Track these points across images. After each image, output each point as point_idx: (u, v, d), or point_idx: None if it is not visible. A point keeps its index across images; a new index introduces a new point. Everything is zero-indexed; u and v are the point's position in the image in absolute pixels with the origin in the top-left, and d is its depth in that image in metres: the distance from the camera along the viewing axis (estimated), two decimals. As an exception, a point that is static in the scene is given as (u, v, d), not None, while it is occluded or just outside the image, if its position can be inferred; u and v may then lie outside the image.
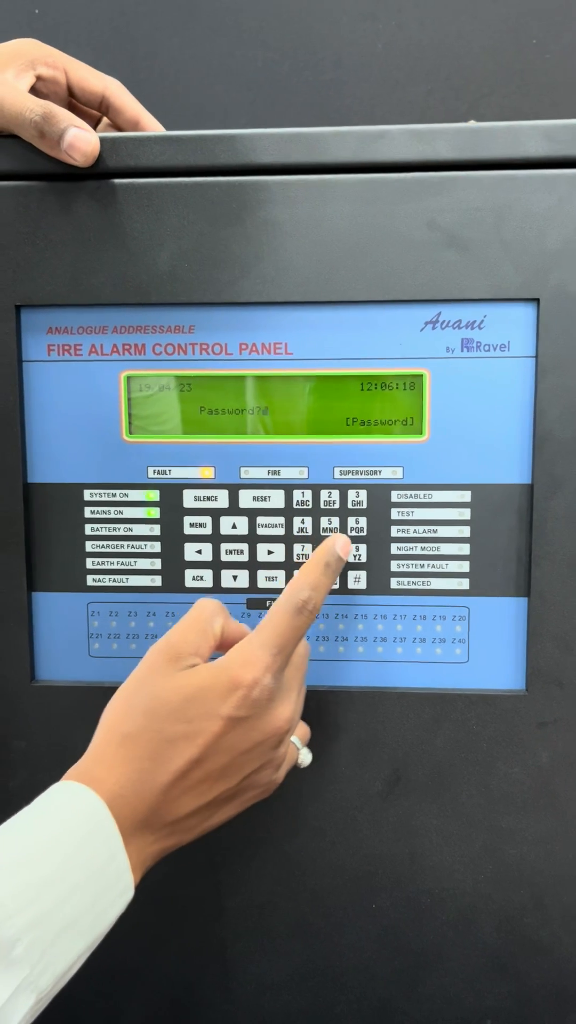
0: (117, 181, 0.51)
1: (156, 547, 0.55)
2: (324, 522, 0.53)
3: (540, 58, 0.97)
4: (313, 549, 0.54)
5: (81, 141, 0.49)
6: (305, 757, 0.51)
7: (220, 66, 0.98)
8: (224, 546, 0.54)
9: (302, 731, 0.52)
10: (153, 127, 0.58)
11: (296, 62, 0.97)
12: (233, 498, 0.54)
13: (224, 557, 0.54)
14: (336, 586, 0.54)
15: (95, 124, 0.59)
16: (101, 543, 0.55)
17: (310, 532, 0.54)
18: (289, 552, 0.54)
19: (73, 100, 0.57)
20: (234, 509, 0.54)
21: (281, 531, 0.54)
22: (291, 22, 0.97)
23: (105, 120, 0.59)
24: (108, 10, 0.98)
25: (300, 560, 0.54)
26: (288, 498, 0.53)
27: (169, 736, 0.44)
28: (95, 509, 0.54)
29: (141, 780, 0.43)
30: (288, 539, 0.54)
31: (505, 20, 0.95)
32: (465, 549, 0.53)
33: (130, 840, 0.43)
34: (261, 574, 0.54)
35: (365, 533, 0.53)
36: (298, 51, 0.97)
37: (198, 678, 0.45)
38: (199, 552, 0.54)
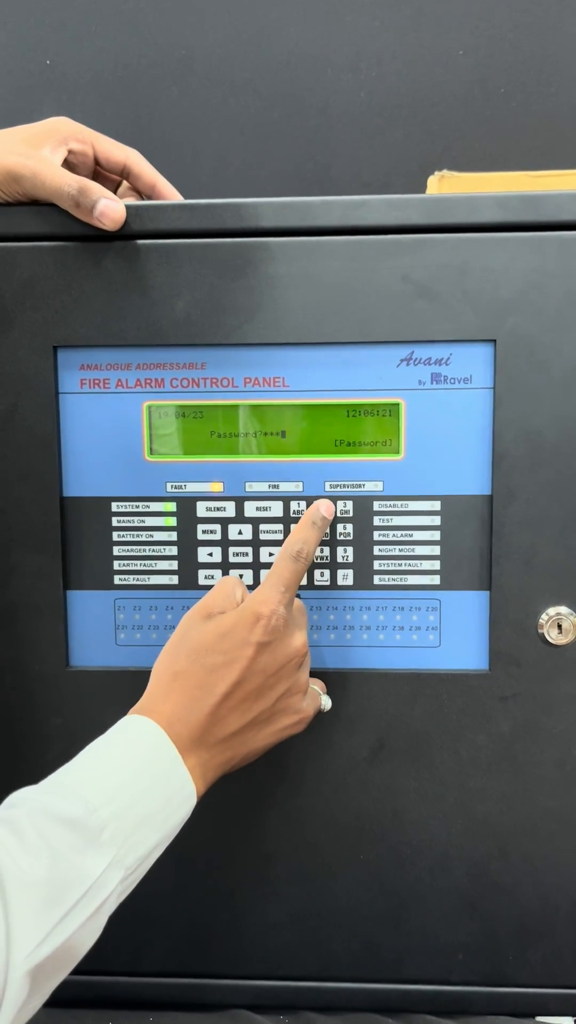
0: (140, 242, 0.60)
1: (173, 551, 0.64)
2: (317, 528, 0.63)
3: (507, 106, 1.06)
4: (308, 551, 0.63)
5: (110, 210, 0.58)
6: (326, 702, 0.61)
7: (215, 113, 1.07)
8: (232, 550, 0.63)
9: (320, 683, 0.62)
10: (168, 190, 0.67)
11: (285, 109, 1.06)
12: (239, 509, 0.63)
13: (232, 559, 0.63)
14: (327, 582, 0.63)
15: (116, 187, 0.68)
16: (126, 548, 0.64)
17: (305, 537, 0.63)
18: (287, 554, 0.63)
19: (98, 168, 0.66)
20: (240, 518, 0.63)
21: (280, 536, 0.63)
22: (281, 73, 1.06)
23: (125, 184, 0.68)
24: (113, 62, 1.07)
25: (297, 561, 0.63)
26: (286, 508, 0.63)
27: (211, 666, 0.54)
28: (121, 519, 0.64)
29: (192, 706, 0.53)
30: (286, 543, 0.63)
31: (475, 71, 1.05)
32: (436, 550, 0.62)
33: (188, 755, 0.53)
34: (263, 573, 0.63)
35: (351, 537, 0.63)
36: (287, 99, 1.06)
37: (228, 619, 0.55)
38: (210, 555, 0.64)
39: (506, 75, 1.05)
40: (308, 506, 0.63)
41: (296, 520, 0.63)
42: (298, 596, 0.63)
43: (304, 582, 0.63)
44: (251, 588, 0.63)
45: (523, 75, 1.05)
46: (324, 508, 0.60)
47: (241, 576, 0.63)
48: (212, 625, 0.55)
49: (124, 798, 0.49)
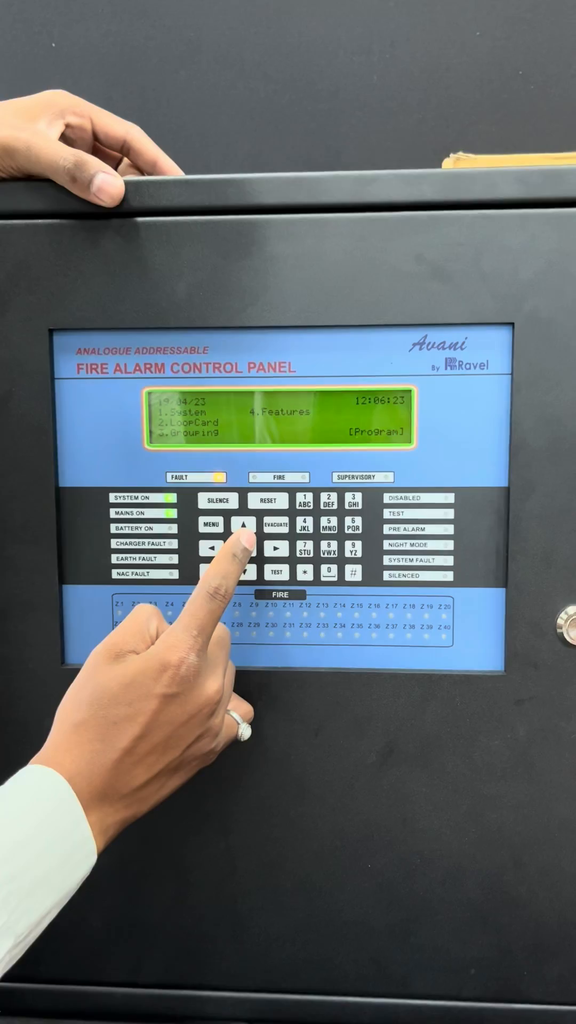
0: (140, 219, 0.58)
1: (174, 544, 0.61)
2: (324, 521, 0.60)
3: (524, 89, 1.03)
4: (314, 546, 0.60)
5: (108, 185, 0.56)
6: (245, 731, 0.58)
7: (224, 97, 1.05)
8: (235, 543, 0.60)
9: (244, 708, 0.59)
10: (170, 167, 0.64)
11: (295, 93, 1.03)
12: (243, 500, 0.60)
13: (235, 553, 0.61)
14: (335, 578, 0.60)
15: (116, 165, 0.66)
16: (124, 541, 0.61)
17: (311, 530, 0.60)
18: (293, 548, 0.60)
19: (97, 144, 0.63)
20: (243, 510, 0.60)
21: (285, 529, 0.60)
22: (291, 56, 1.03)
23: (126, 161, 0.65)
24: (119, 44, 1.04)
25: (303, 555, 0.60)
26: (292, 500, 0.60)
27: (113, 719, 0.50)
28: (119, 510, 0.61)
29: (94, 759, 0.49)
30: (292, 537, 0.60)
31: (491, 53, 1.02)
32: (449, 545, 0.59)
33: (90, 811, 0.49)
34: (268, 568, 0.61)
35: (361, 531, 0.60)
36: (297, 83, 1.03)
37: (133, 666, 0.51)
38: (212, 549, 0.61)
39: (524, 57, 1.02)
40: (314, 498, 0.60)
41: (304, 512, 0.60)
42: (284, 591, 0.60)
43: (310, 578, 0.60)
44: (252, 586, 0.61)
45: (542, 56, 1.02)
46: (245, 538, 0.57)
47: (244, 572, 0.60)
48: (117, 671, 0.51)
49: (22, 857, 0.46)
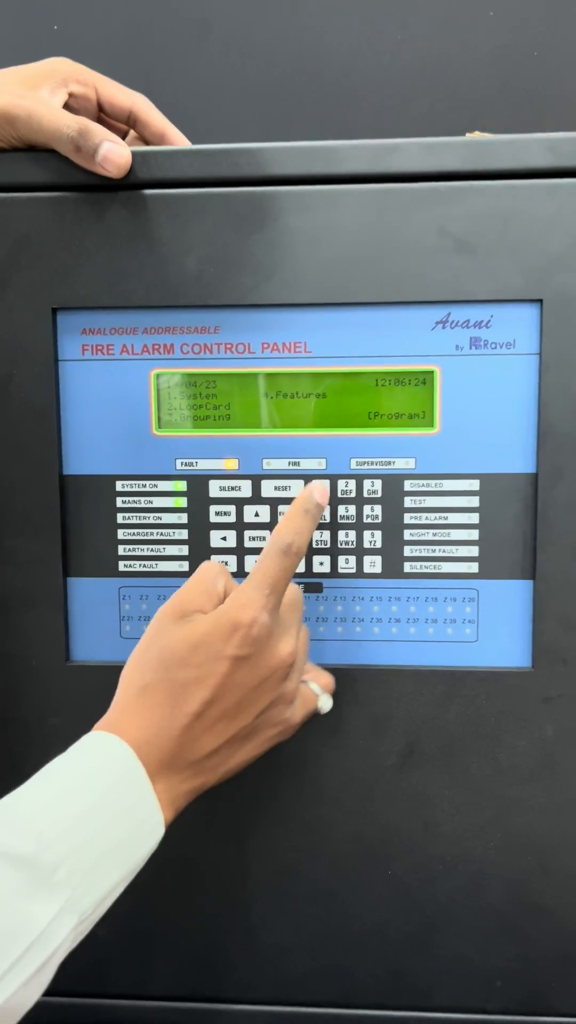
0: (147, 192, 0.55)
1: (184, 534, 0.58)
2: (341, 510, 0.57)
3: (541, 70, 1.00)
4: (331, 536, 0.57)
5: (114, 154, 0.53)
6: (325, 703, 0.54)
7: (231, 80, 1.02)
8: (248, 533, 0.58)
9: (324, 679, 0.55)
10: (178, 139, 0.61)
11: (305, 76, 1.00)
12: (256, 488, 0.57)
13: (248, 544, 0.58)
14: (353, 570, 0.57)
15: (122, 137, 0.63)
16: (132, 531, 0.58)
17: (328, 520, 0.57)
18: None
19: (102, 115, 0.60)
20: (257, 498, 0.57)
21: (301, 519, 0.57)
22: (300, 37, 1.00)
23: (132, 133, 0.62)
24: (123, 26, 1.01)
25: (320, 546, 0.57)
26: (307, 488, 0.57)
27: (182, 681, 0.47)
28: (126, 499, 0.58)
29: (162, 725, 0.47)
30: (307, 526, 0.57)
31: (507, 34, 0.99)
32: (474, 535, 0.56)
33: (157, 780, 0.46)
34: (282, 559, 0.58)
35: (380, 520, 0.57)
36: (307, 65, 1.00)
37: (202, 626, 0.48)
38: (224, 539, 0.58)
39: (540, 38, 0.99)
40: (332, 485, 0.57)
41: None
42: (299, 583, 0.57)
43: (327, 570, 0.57)
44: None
45: (559, 38, 0.99)
46: (318, 493, 0.53)
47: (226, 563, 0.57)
48: (185, 632, 0.48)
49: (84, 831, 0.43)
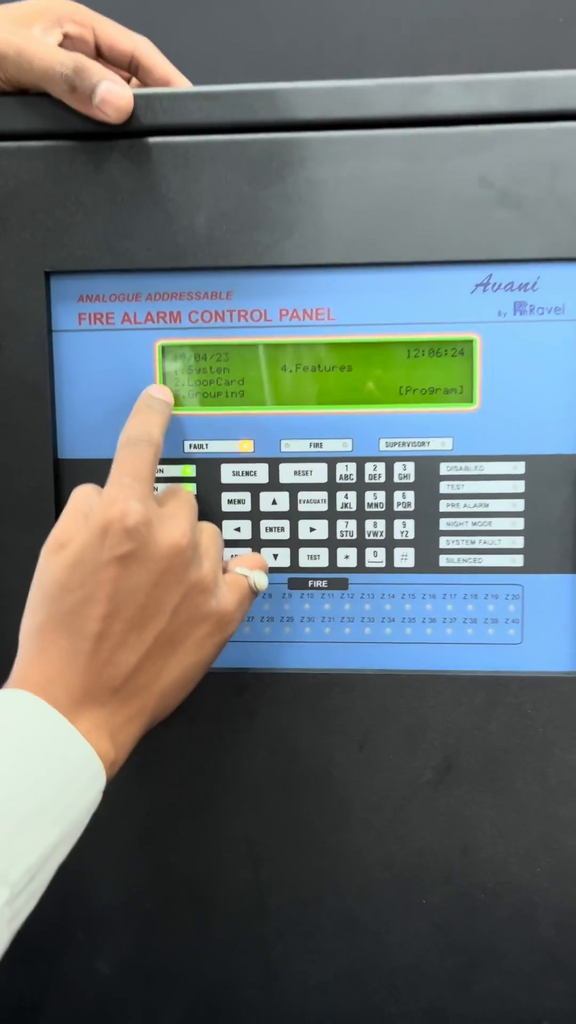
0: (152, 140, 0.49)
1: (192, 525, 0.52)
2: (369, 497, 0.51)
3: (566, 37, 0.95)
4: (357, 526, 0.51)
5: (114, 96, 0.47)
6: (258, 579, 0.48)
7: (237, 44, 0.96)
8: (264, 523, 0.52)
9: (250, 560, 0.50)
10: (185, 87, 0.55)
11: (317, 41, 0.95)
12: (273, 473, 0.51)
13: (264, 535, 0.52)
14: (382, 564, 0.51)
15: (124, 86, 0.57)
16: (135, 522, 0.52)
17: (354, 508, 0.51)
18: (332, 529, 0.51)
19: (101, 60, 0.54)
20: (274, 484, 0.51)
21: (324, 507, 0.51)
22: (313, 2, 0.94)
23: (134, 80, 0.56)
24: (125, -10, 0.95)
25: (344, 537, 0.51)
26: (331, 472, 0.51)
27: (71, 607, 0.42)
28: (128, 486, 0.52)
29: (64, 658, 0.42)
30: (331, 515, 0.51)
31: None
32: (519, 524, 0.50)
33: (79, 718, 0.41)
34: (303, 552, 0.52)
35: (412, 508, 0.51)
36: (321, 33, 0.95)
37: (74, 544, 0.43)
38: (237, 530, 0.52)
39: (565, 1, 0.94)
40: (358, 470, 0.51)
41: (345, 486, 0.51)
42: (322, 578, 0.51)
43: (353, 564, 0.51)
44: (285, 573, 0.52)
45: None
46: (155, 389, 0.50)
47: (276, 557, 0.51)
48: (60, 557, 0.43)
49: (1, 792, 0.38)
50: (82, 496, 0.46)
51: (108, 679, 0.42)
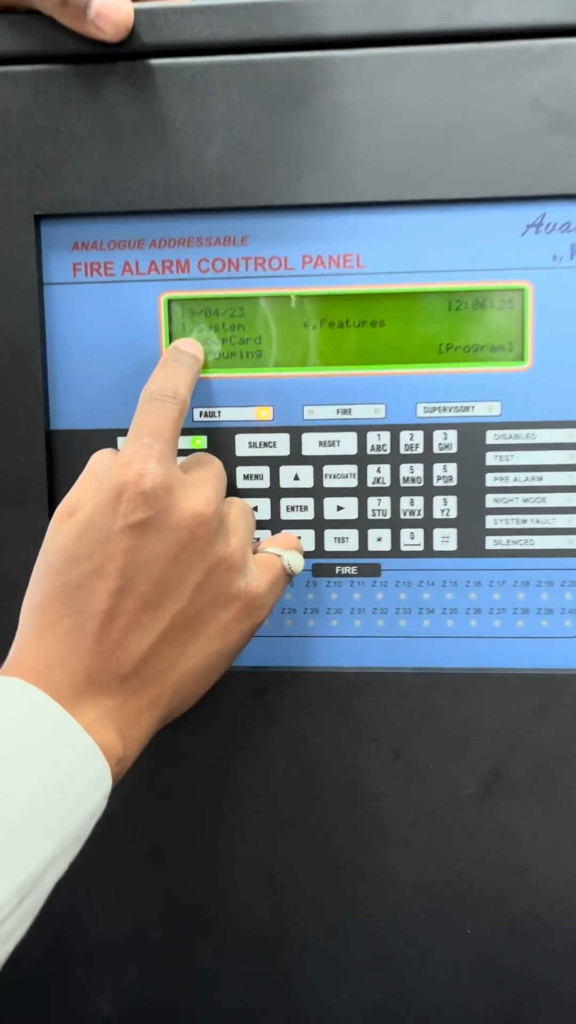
0: (155, 61, 0.43)
1: (203, 504, 0.46)
2: (405, 470, 0.45)
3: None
4: (392, 504, 0.45)
5: (111, 10, 0.41)
6: (293, 560, 0.42)
7: None
8: (285, 501, 0.46)
9: (283, 539, 0.44)
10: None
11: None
12: (295, 443, 0.45)
13: (284, 515, 0.46)
14: (420, 547, 0.45)
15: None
16: (138, 501, 0.46)
17: (388, 483, 0.45)
18: (363, 507, 0.45)
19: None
20: (296, 457, 0.45)
21: (353, 482, 0.45)
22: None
23: None
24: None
25: (376, 516, 0.45)
26: (361, 442, 0.45)
27: (76, 580, 0.37)
28: (131, 460, 0.46)
29: (66, 640, 0.36)
30: (361, 491, 0.45)
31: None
32: (576, 500, 0.44)
33: (82, 709, 0.35)
34: (329, 534, 0.45)
35: (455, 483, 0.45)
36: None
37: (83, 510, 0.38)
38: (255, 509, 0.46)
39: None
40: (392, 440, 0.45)
41: (378, 458, 0.45)
42: (352, 564, 0.45)
43: (387, 547, 0.45)
44: (310, 558, 0.46)
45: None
46: (183, 343, 0.44)
47: (299, 539, 0.45)
48: (68, 525, 0.38)
49: None
50: (100, 461, 0.41)
51: (117, 664, 0.36)
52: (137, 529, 0.37)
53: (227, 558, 0.39)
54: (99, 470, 0.41)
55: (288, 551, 0.43)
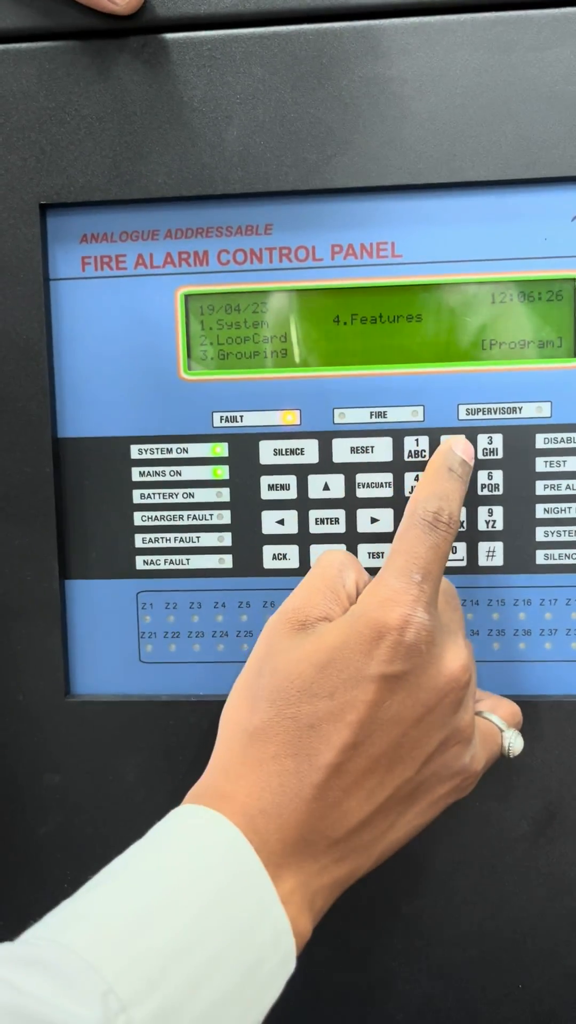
0: (170, 36, 0.39)
1: (225, 517, 0.42)
2: (446, 479, 0.41)
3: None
4: (431, 515, 0.41)
5: (124, -21, 0.37)
6: (514, 741, 0.38)
7: None
8: (313, 514, 0.42)
9: (505, 708, 0.39)
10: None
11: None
12: (325, 450, 0.41)
13: (314, 528, 0.42)
14: (463, 563, 0.41)
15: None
16: (153, 514, 0.42)
17: (427, 493, 0.41)
18: (399, 520, 0.41)
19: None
20: (326, 465, 0.41)
21: (389, 492, 0.41)
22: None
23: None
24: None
25: (414, 530, 0.41)
26: (398, 448, 0.41)
27: (309, 720, 0.32)
28: (145, 470, 0.42)
29: (286, 786, 0.32)
30: (397, 502, 0.41)
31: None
32: None
33: (284, 875, 0.31)
34: (363, 549, 0.42)
35: (501, 492, 0.41)
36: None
37: (331, 637, 0.33)
38: (281, 523, 0.42)
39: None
40: (431, 445, 0.41)
41: (416, 465, 0.41)
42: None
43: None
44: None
45: None
46: (460, 447, 0.38)
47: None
48: (308, 648, 0.34)
49: (176, 979, 0.27)
50: (334, 565, 0.37)
51: (330, 826, 0.32)
52: (390, 682, 0.33)
53: (462, 730, 0.35)
54: (332, 578, 0.36)
55: (510, 729, 0.38)
